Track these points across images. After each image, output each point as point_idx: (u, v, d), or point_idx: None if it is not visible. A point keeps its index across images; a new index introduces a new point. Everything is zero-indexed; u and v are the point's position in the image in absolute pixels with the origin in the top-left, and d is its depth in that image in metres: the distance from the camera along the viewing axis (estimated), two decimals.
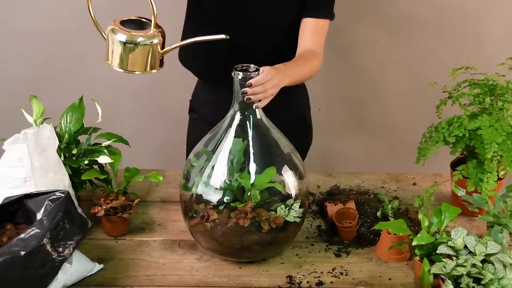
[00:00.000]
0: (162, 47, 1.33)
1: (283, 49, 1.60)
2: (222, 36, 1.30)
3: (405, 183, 1.72)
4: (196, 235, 1.36)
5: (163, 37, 1.33)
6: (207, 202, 1.31)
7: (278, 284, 1.31)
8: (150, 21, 1.33)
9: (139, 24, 1.35)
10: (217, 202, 1.31)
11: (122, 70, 1.32)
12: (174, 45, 1.35)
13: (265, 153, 1.33)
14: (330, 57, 2.29)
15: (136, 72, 1.32)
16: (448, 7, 2.26)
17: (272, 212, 1.31)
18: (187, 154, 1.89)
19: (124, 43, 1.29)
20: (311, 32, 1.58)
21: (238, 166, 1.31)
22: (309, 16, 1.58)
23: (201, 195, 1.32)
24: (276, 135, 1.36)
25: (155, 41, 1.31)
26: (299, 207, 1.33)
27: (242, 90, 1.28)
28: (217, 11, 1.60)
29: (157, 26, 1.33)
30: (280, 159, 1.34)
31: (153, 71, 1.34)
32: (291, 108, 1.71)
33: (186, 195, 1.35)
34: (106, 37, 1.33)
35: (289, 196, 1.33)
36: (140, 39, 1.30)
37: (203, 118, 1.72)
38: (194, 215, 1.33)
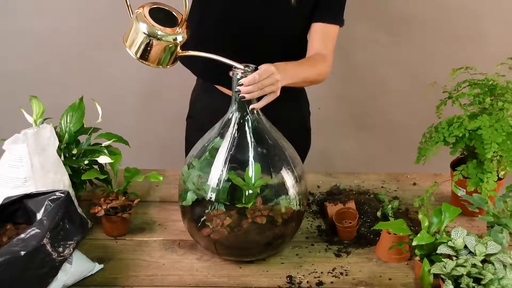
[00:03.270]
0: (182, 47, 1.31)
1: (291, 50, 1.60)
2: (241, 66, 1.27)
3: (405, 183, 1.72)
4: (195, 237, 1.36)
5: (187, 37, 1.30)
6: (209, 205, 1.30)
7: (278, 284, 1.31)
8: (180, 15, 1.31)
9: (168, 15, 1.31)
10: (216, 203, 1.30)
11: (134, 57, 1.30)
12: (196, 53, 1.32)
13: (264, 153, 1.32)
14: None
15: (148, 64, 1.30)
16: (448, 7, 2.26)
17: (276, 206, 1.31)
18: None
19: (146, 34, 1.27)
20: (320, 36, 1.57)
21: (237, 166, 1.30)
22: (319, 20, 1.57)
23: (202, 200, 1.31)
24: (276, 135, 1.35)
25: (177, 40, 1.29)
26: (297, 196, 1.33)
27: (236, 88, 1.27)
28: (222, 8, 1.58)
29: (184, 24, 1.30)
30: (279, 159, 1.34)
31: (167, 67, 1.33)
32: (293, 116, 1.72)
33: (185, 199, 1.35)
34: (131, 18, 1.30)
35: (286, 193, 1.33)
36: (162, 36, 1.27)
37: (203, 126, 1.71)
38: (207, 223, 1.30)
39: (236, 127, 1.31)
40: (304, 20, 1.59)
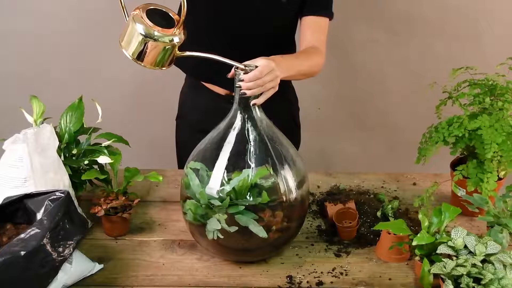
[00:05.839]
0: (180, 48, 1.30)
1: (279, 46, 1.60)
2: (242, 66, 1.27)
3: (405, 183, 1.72)
4: (196, 237, 1.36)
5: (184, 38, 1.30)
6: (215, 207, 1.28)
7: (278, 284, 1.31)
8: (177, 16, 1.30)
9: (164, 16, 1.31)
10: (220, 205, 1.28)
11: (131, 58, 1.29)
12: (194, 53, 1.32)
13: (266, 153, 1.32)
14: (330, 57, 2.28)
15: (144, 65, 1.30)
16: (448, 7, 2.26)
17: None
18: (178, 162, 1.88)
19: (143, 35, 1.26)
20: (312, 29, 1.58)
21: (240, 167, 1.30)
22: (308, 14, 1.59)
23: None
24: (277, 135, 1.35)
25: (174, 41, 1.28)
26: (299, 196, 1.33)
27: (237, 84, 1.27)
28: (211, 5, 1.58)
29: (182, 25, 1.29)
30: (280, 159, 1.33)
31: (163, 68, 1.32)
32: (282, 112, 1.71)
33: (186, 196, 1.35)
34: (127, 20, 1.29)
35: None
36: (159, 36, 1.26)
37: (193, 126, 1.68)
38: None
39: (238, 126, 1.31)
40: (294, 18, 1.59)
